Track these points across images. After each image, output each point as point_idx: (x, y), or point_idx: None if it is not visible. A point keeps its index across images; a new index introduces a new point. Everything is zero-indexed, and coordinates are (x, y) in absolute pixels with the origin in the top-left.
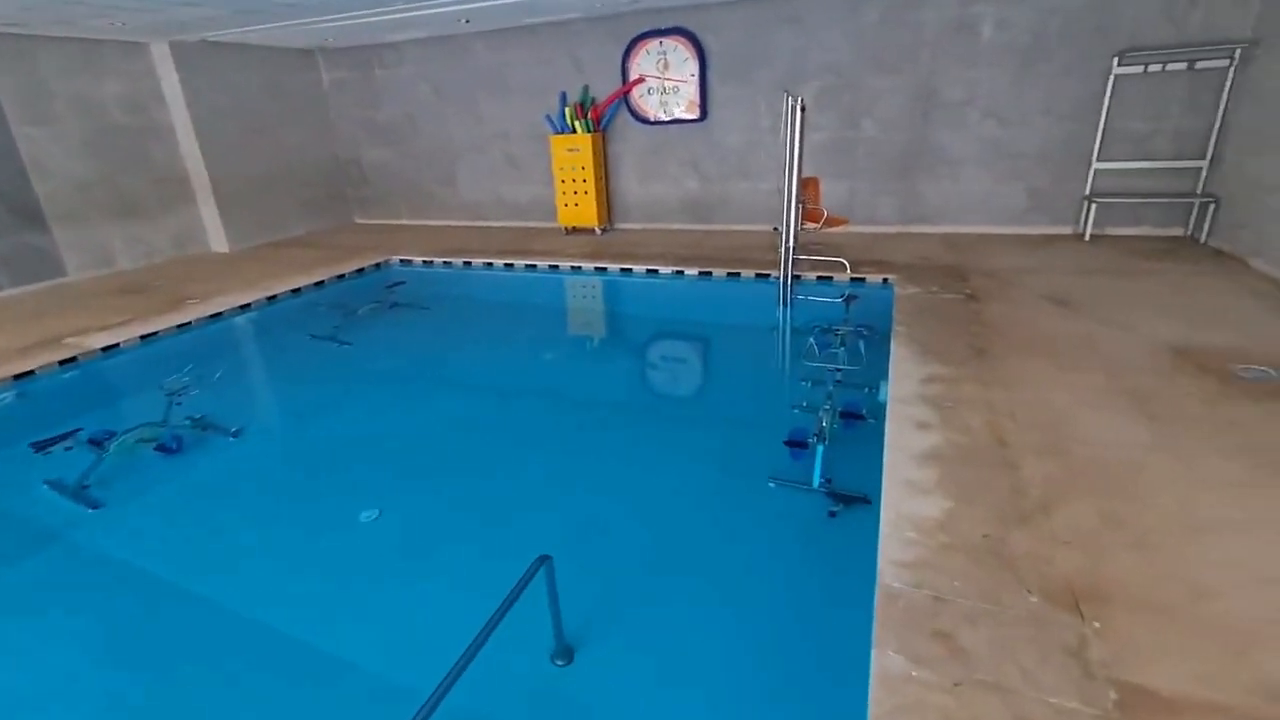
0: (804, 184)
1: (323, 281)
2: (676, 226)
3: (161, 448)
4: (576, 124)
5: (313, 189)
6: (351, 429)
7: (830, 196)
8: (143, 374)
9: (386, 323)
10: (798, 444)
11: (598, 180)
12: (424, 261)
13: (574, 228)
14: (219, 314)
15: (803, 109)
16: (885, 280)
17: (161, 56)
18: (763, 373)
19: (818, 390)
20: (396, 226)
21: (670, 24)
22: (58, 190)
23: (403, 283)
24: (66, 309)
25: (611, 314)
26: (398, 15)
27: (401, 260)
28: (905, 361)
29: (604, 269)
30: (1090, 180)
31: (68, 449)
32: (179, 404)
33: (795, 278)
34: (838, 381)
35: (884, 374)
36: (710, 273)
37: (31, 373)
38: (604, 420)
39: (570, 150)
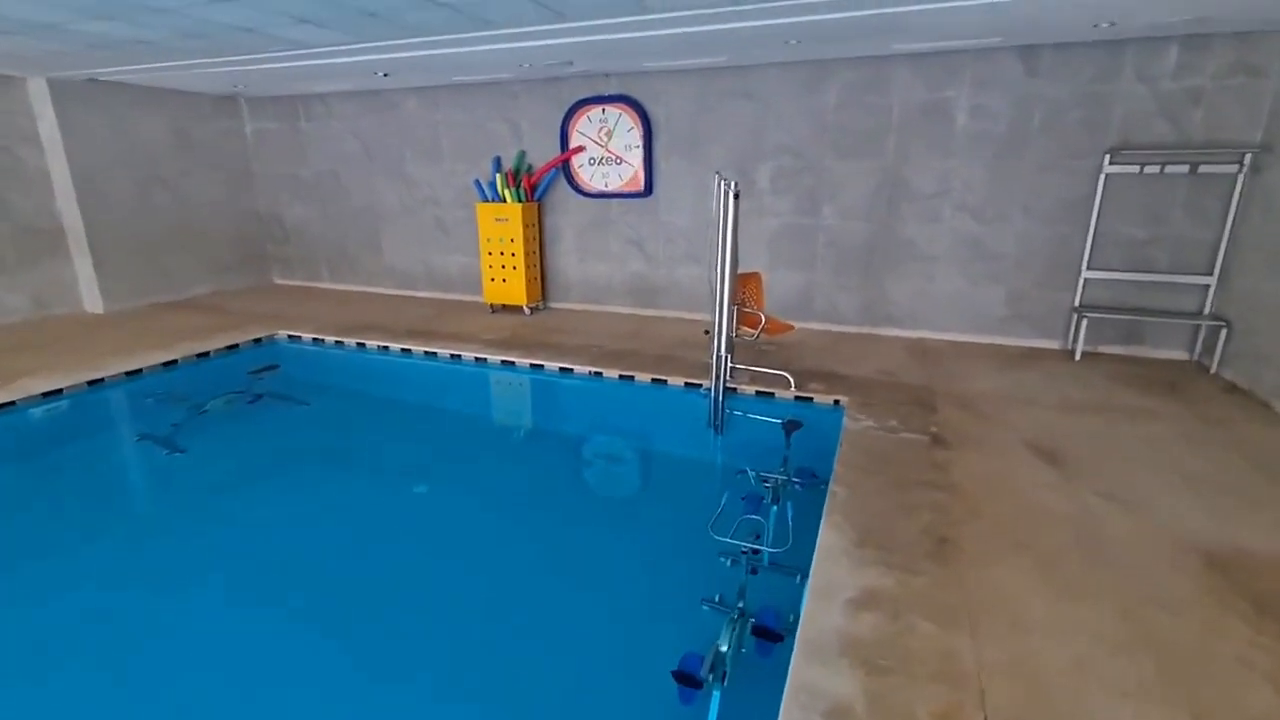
0: (741, 281)
1: (175, 361)
2: (617, 309)
3: None
4: (507, 192)
5: (225, 246)
6: (133, 600)
7: (786, 289)
8: None
9: (242, 422)
10: (688, 680)
11: (529, 255)
12: (314, 339)
13: (500, 305)
14: (9, 404)
15: (735, 194)
16: (836, 403)
17: (38, 93)
18: (674, 533)
19: (735, 573)
20: (312, 291)
21: (615, 91)
22: None
23: (275, 367)
24: None
25: (507, 427)
26: (301, 63)
27: (290, 336)
28: (834, 558)
29: (510, 363)
30: (1080, 290)
31: None
32: None
33: (730, 390)
34: (753, 571)
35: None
36: (633, 377)
37: None
38: (444, 610)
39: (498, 220)
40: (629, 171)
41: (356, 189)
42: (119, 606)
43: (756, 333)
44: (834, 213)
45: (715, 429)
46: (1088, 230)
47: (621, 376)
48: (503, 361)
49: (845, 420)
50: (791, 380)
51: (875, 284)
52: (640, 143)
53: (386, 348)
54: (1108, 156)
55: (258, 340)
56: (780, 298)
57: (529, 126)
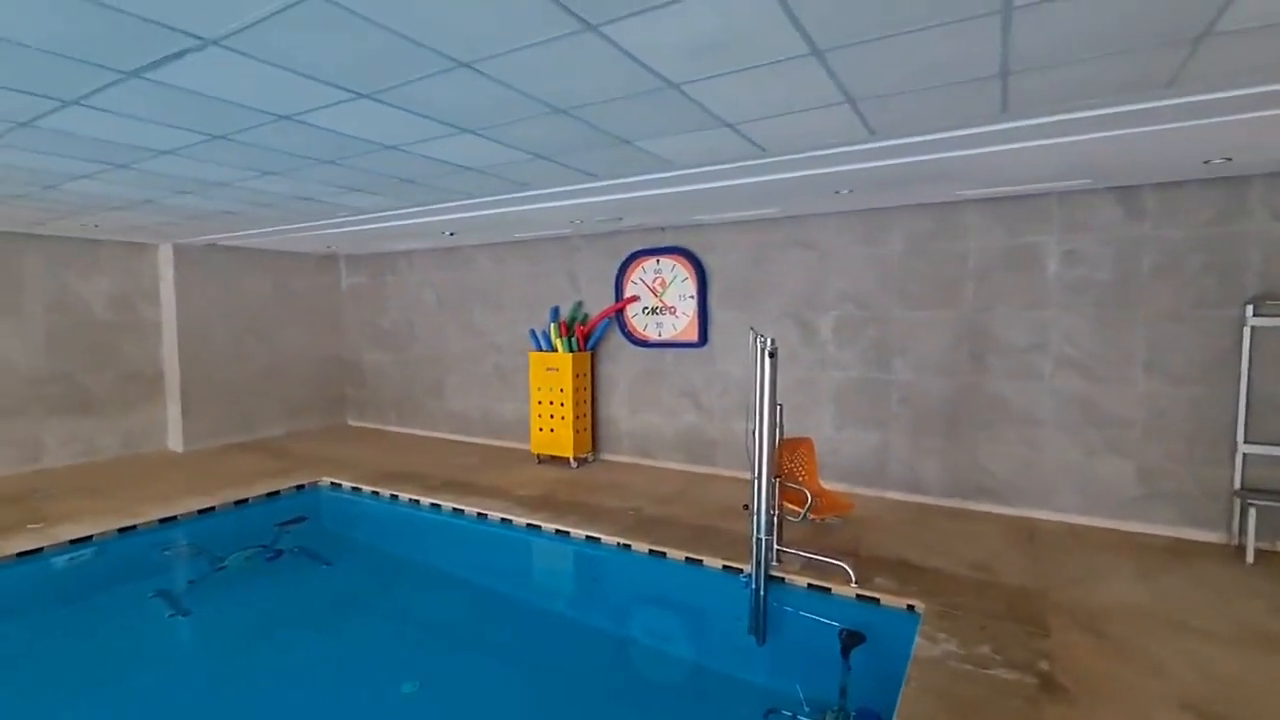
0: (788, 448)
1: (212, 508)
2: (668, 464)
3: None
4: (558, 341)
5: (306, 389)
6: None
7: (856, 451)
8: None
9: (256, 582)
10: None
11: (578, 405)
12: (353, 488)
13: (547, 456)
14: (37, 550)
15: (772, 353)
16: (910, 608)
17: (165, 257)
18: None
19: None
20: (378, 433)
21: (669, 243)
22: (4, 384)
23: (303, 519)
24: None
25: (521, 606)
26: (371, 226)
27: (332, 483)
28: None
29: (536, 527)
30: (1239, 468)
31: None
32: None
33: (774, 579)
34: None
35: None
36: (664, 553)
37: None
38: None
39: (549, 369)
40: (683, 321)
41: (427, 337)
42: None
43: (803, 512)
44: (907, 366)
45: (756, 636)
46: (1237, 394)
47: (652, 551)
48: (528, 525)
49: (918, 639)
50: (852, 573)
51: (963, 448)
52: (694, 293)
53: (418, 501)
54: (1250, 307)
55: (300, 487)
56: (850, 461)
57: (586, 278)
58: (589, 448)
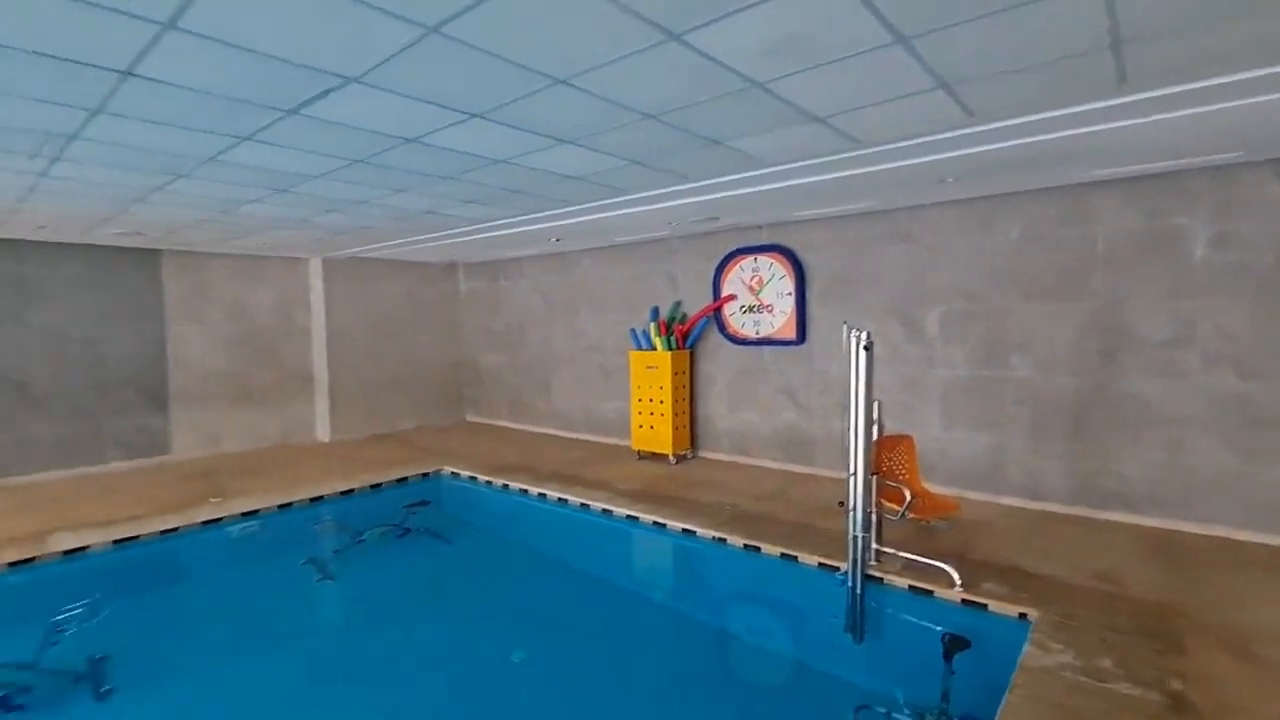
0: (886, 446)
1: (351, 490)
2: (766, 463)
3: (6, 700)
4: (658, 340)
5: (431, 387)
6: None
7: (966, 454)
8: (74, 589)
9: (389, 554)
10: None
11: (677, 403)
12: (470, 477)
13: (647, 452)
14: (217, 520)
15: (867, 347)
16: (1022, 616)
17: (315, 269)
18: None
19: None
20: (492, 429)
21: (766, 241)
22: (188, 380)
23: (427, 503)
24: (102, 495)
25: (620, 589)
26: (485, 235)
27: (452, 472)
28: None
29: (635, 518)
30: None
31: None
32: (56, 643)
33: (872, 579)
34: None
35: None
36: (759, 548)
37: None
38: None
39: (649, 368)
40: (780, 319)
41: (536, 338)
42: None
43: (901, 510)
44: (1026, 363)
45: (853, 634)
46: None
47: (747, 546)
48: (627, 515)
49: (1028, 648)
50: (955, 576)
51: (1093, 451)
52: (792, 290)
53: (527, 490)
54: None
55: (425, 475)
56: (959, 463)
57: (685, 278)
58: (687, 445)
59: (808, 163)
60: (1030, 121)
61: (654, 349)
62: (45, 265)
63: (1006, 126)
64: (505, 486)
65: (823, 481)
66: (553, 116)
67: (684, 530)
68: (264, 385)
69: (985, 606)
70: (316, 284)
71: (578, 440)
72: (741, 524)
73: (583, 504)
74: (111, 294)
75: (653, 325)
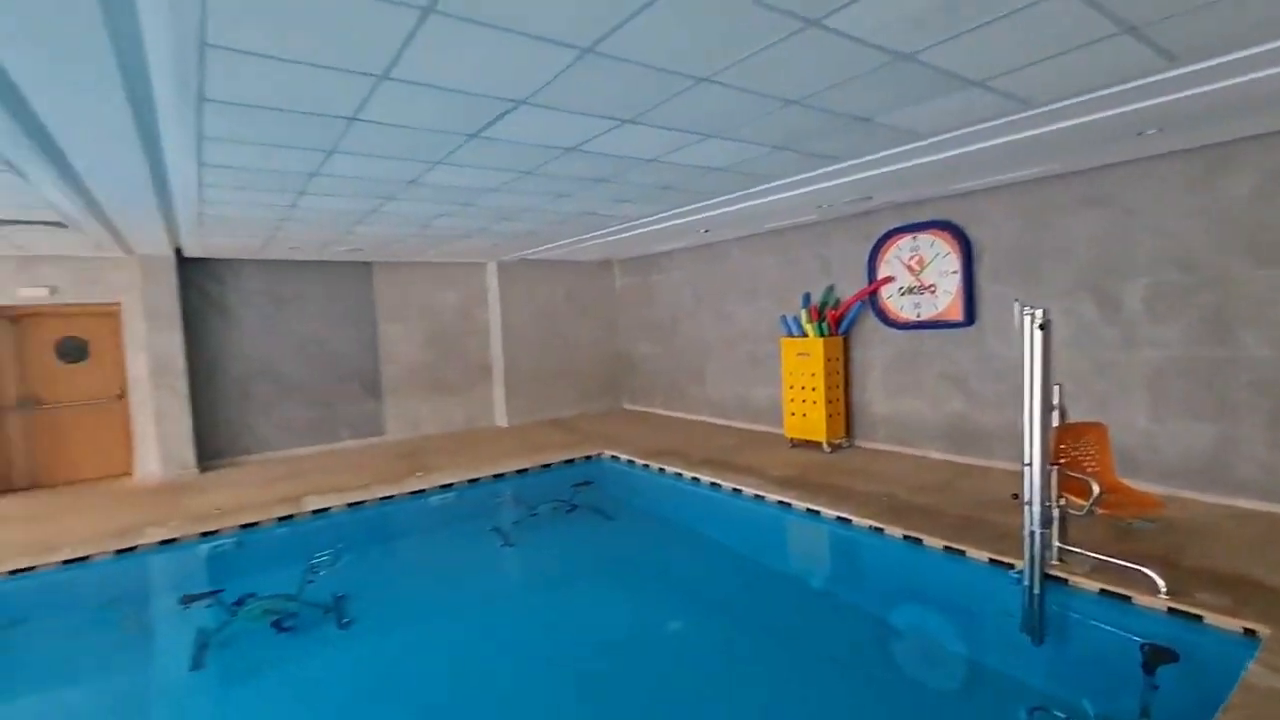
0: (1071, 433)
1: (526, 469)
2: (929, 453)
3: (278, 624)
4: (809, 327)
5: (591, 378)
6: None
7: (1183, 447)
8: (324, 539)
9: (559, 527)
10: None
11: (830, 389)
12: (628, 461)
13: (800, 440)
14: (421, 491)
15: (1043, 325)
16: (1249, 633)
17: (491, 271)
18: None
19: None
20: (648, 416)
21: (926, 217)
22: (396, 372)
23: (589, 483)
24: (337, 467)
25: (771, 574)
26: (638, 232)
27: (612, 456)
28: None
29: (786, 504)
30: None
31: (208, 606)
32: (312, 581)
33: (1054, 580)
34: None
35: None
36: (920, 540)
37: (253, 525)
38: None
39: (800, 355)
40: (945, 300)
41: (688, 328)
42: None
43: (1086, 506)
44: (1262, 340)
45: (1031, 635)
46: None
47: (906, 537)
48: (779, 501)
49: (1254, 666)
50: (1160, 582)
51: None
52: (958, 268)
53: (680, 474)
54: None
55: (588, 457)
56: (1173, 459)
57: (838, 262)
58: (843, 433)
59: (969, 130)
60: (1252, 56)
61: (805, 335)
62: (292, 281)
63: (1221, 65)
64: (660, 470)
65: (995, 474)
66: (697, 113)
67: (838, 518)
68: (452, 376)
69: (1199, 618)
70: (493, 285)
71: (730, 427)
72: (901, 514)
73: (734, 489)
74: (338, 301)
75: (804, 312)
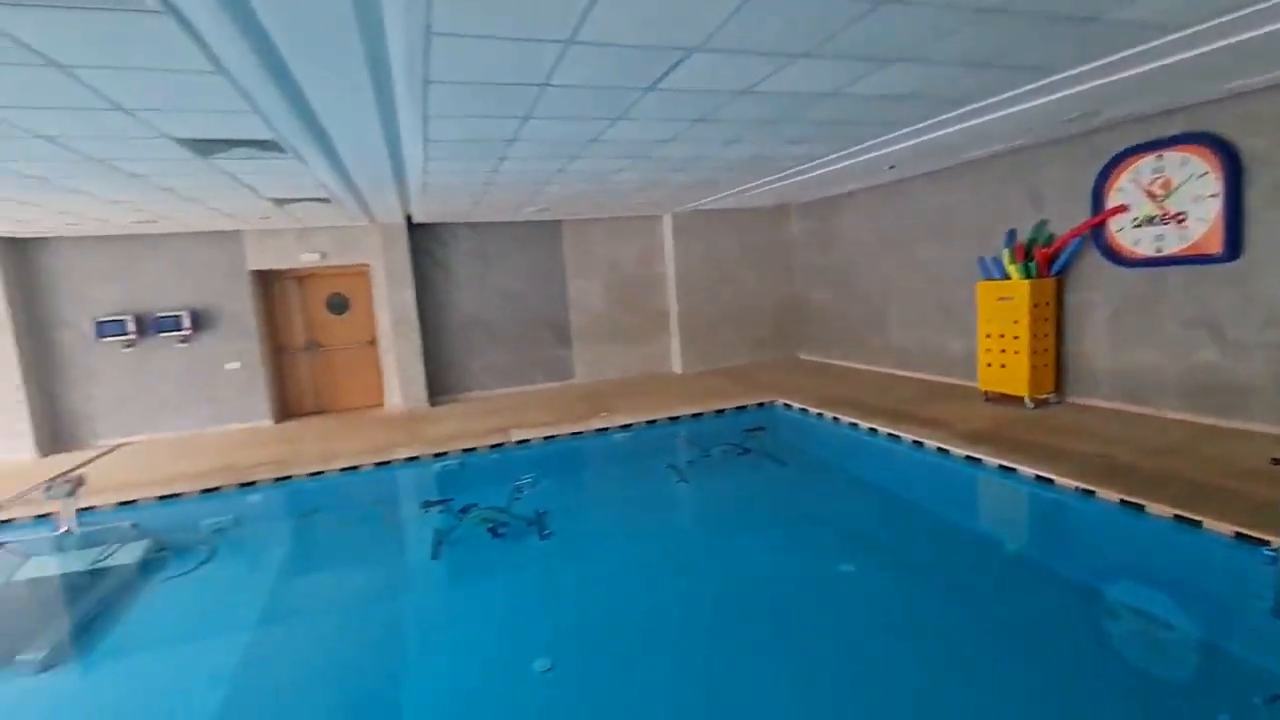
0: None
1: (700, 414)
2: (1165, 413)
3: (494, 530)
4: (1013, 268)
5: (764, 326)
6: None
7: None
8: (526, 465)
9: (731, 469)
10: None
11: (1036, 339)
12: (801, 409)
13: (996, 394)
14: (605, 429)
15: None
16: None
17: (667, 224)
18: None
19: None
20: (823, 366)
21: (1177, 130)
22: (582, 321)
23: (763, 429)
24: (533, 406)
25: (955, 534)
26: (815, 174)
27: (785, 404)
28: None
29: (976, 460)
30: None
31: (441, 511)
32: (519, 499)
33: None
34: None
35: None
36: (1142, 506)
37: (474, 449)
38: None
39: (1001, 299)
40: (1197, 230)
41: (869, 274)
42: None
43: None
44: None
45: None
46: None
47: (1124, 503)
48: (966, 456)
49: None
50: None
51: None
52: (1219, 190)
53: (856, 424)
54: None
55: (760, 404)
56: None
57: (1051, 192)
58: (1051, 387)
59: (1240, 12)
60: None
61: (1007, 278)
62: (496, 241)
63: None
64: (835, 419)
65: (1253, 438)
66: (879, 38)
67: (1037, 478)
68: (631, 325)
69: None
70: (668, 236)
71: (913, 378)
72: (1118, 476)
73: (915, 441)
74: (533, 258)
75: (1006, 252)
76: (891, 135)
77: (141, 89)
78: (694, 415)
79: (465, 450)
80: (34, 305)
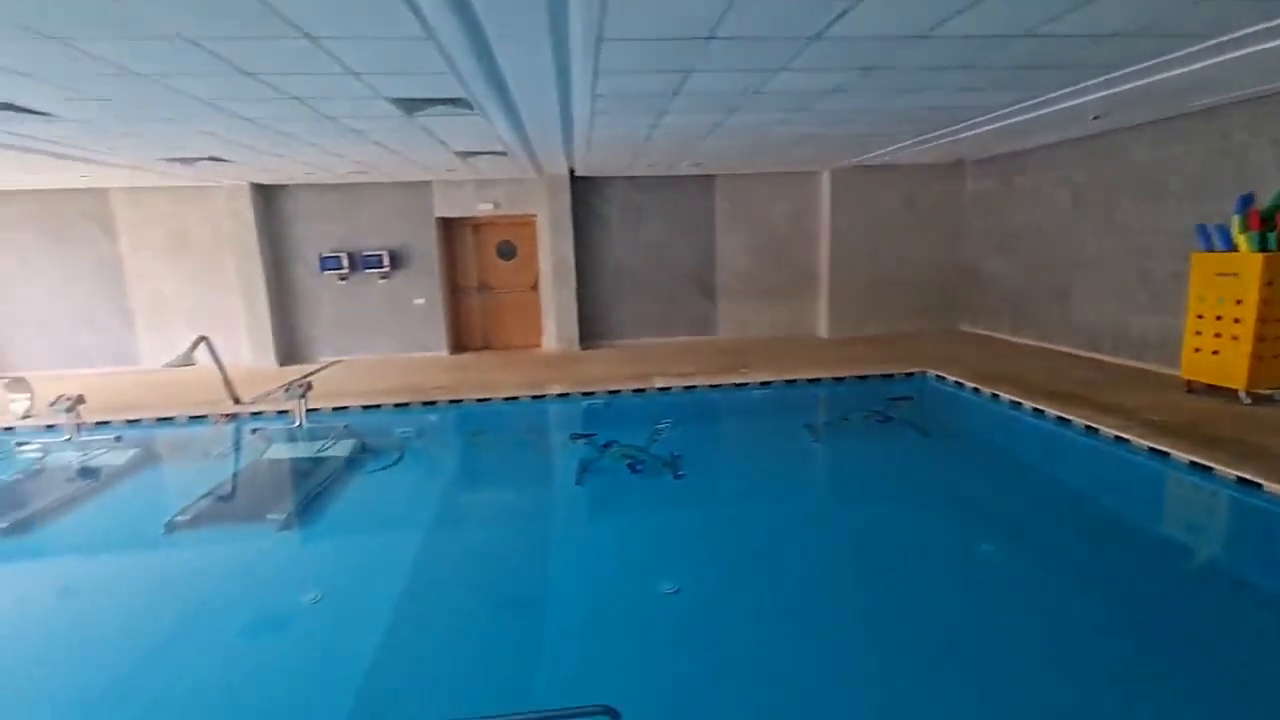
0: None
1: (842, 378)
2: None
3: (632, 466)
4: (1243, 238)
5: (923, 292)
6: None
7: None
8: (665, 410)
9: (869, 434)
10: None
11: (1265, 324)
12: (956, 382)
13: (1202, 384)
14: (743, 385)
15: None
16: None
17: (824, 180)
18: None
19: None
20: (987, 340)
21: None
22: (728, 277)
23: (909, 399)
24: (674, 356)
25: (1124, 531)
26: (1009, 122)
27: (938, 376)
28: None
29: (1162, 454)
30: None
31: (585, 444)
32: (657, 440)
33: None
34: None
35: None
36: None
37: (618, 392)
38: None
39: (1221, 275)
40: None
41: (1056, 240)
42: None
43: None
44: None
45: None
46: None
47: None
48: (1150, 449)
49: None
50: None
51: None
52: None
53: (1019, 404)
54: None
55: (909, 374)
56: None
57: None
58: (1278, 382)
59: None
60: None
61: (1234, 249)
62: (646, 193)
63: None
64: (994, 396)
65: None
66: None
67: (1239, 480)
68: (777, 284)
69: None
70: (824, 193)
71: (1094, 360)
72: None
73: (1088, 426)
74: (680, 212)
75: (1237, 219)
76: (1099, 80)
77: (369, 55)
78: (835, 379)
79: (610, 392)
80: (277, 242)
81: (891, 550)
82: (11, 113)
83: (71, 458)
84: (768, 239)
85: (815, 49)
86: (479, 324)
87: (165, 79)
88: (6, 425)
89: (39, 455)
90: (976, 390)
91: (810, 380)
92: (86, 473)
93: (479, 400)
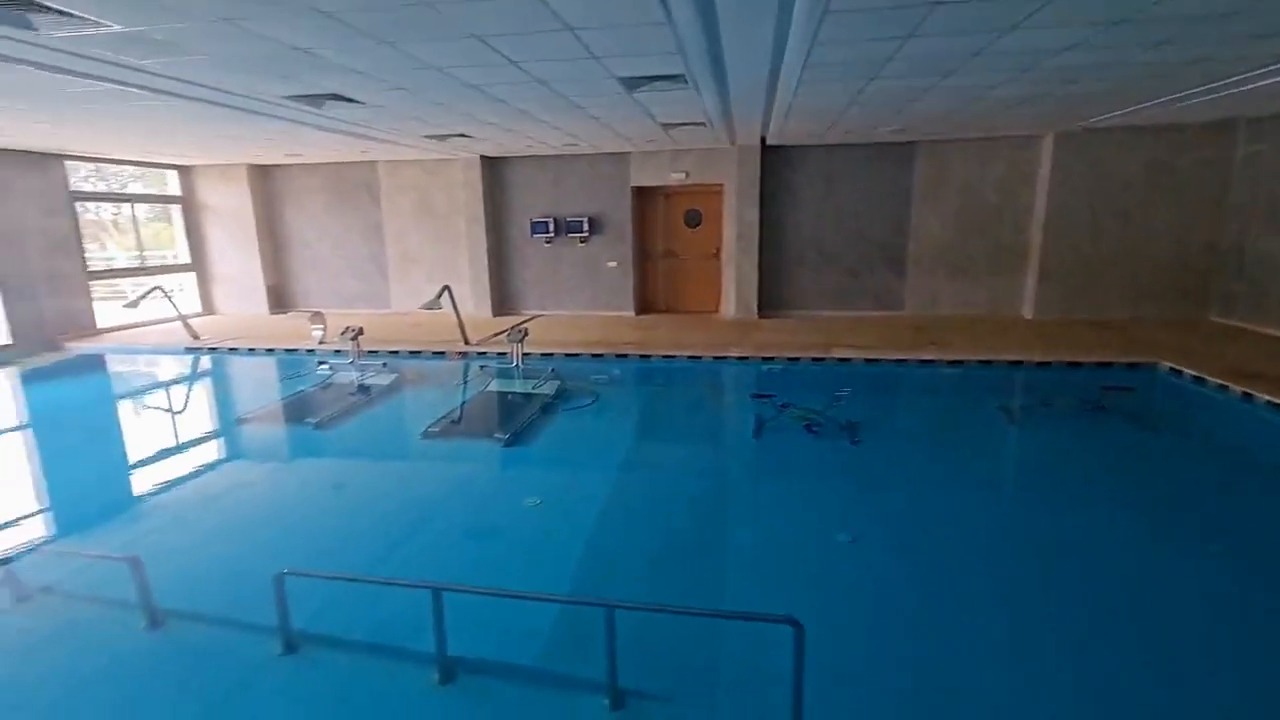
0: None
1: (1048, 363)
2: None
3: (809, 427)
4: None
5: (1163, 274)
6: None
7: None
8: (844, 380)
9: (1076, 423)
10: None
11: None
12: (1195, 377)
13: None
14: (931, 361)
15: None
16: None
17: (1046, 146)
18: None
19: None
20: (1250, 334)
21: None
22: (921, 250)
23: (1131, 390)
24: (857, 329)
25: None
26: None
27: (1172, 368)
28: None
29: None
30: None
31: (764, 403)
32: (835, 405)
33: None
34: None
35: None
36: None
37: (797, 359)
38: None
39: None
40: None
41: None
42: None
43: None
44: None
45: None
46: None
47: None
48: None
49: None
50: None
51: None
52: None
53: (1278, 406)
54: None
55: (1133, 364)
56: None
57: None
58: None
59: None
60: None
61: None
62: (839, 162)
63: None
64: (1245, 395)
65: None
66: None
67: None
68: (978, 258)
69: None
70: (1045, 160)
71: None
72: None
73: None
74: (875, 181)
75: None
76: None
77: (612, 41)
78: (1040, 364)
79: (789, 359)
80: (498, 207)
81: (1083, 547)
82: (336, 102)
83: (353, 376)
84: (971, 210)
85: (1053, 7)
86: (663, 288)
87: (450, 69)
88: (309, 348)
89: (330, 373)
90: (1222, 387)
91: (1010, 363)
92: (363, 389)
93: (665, 356)
